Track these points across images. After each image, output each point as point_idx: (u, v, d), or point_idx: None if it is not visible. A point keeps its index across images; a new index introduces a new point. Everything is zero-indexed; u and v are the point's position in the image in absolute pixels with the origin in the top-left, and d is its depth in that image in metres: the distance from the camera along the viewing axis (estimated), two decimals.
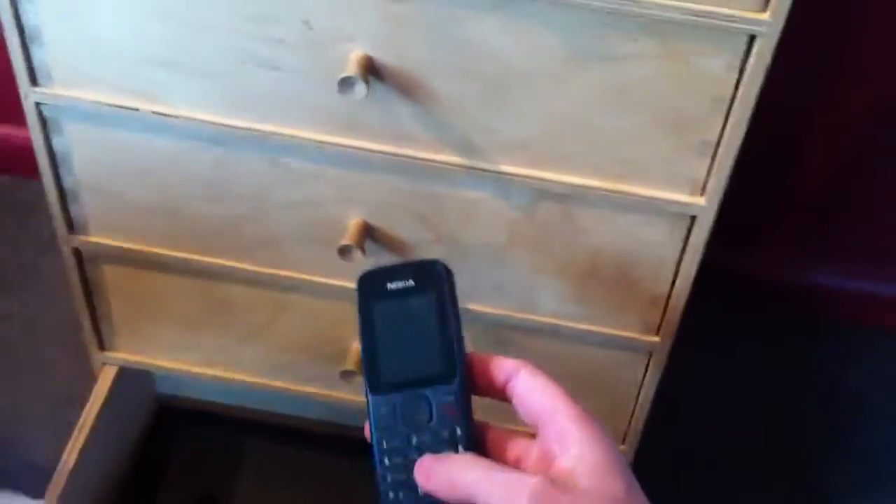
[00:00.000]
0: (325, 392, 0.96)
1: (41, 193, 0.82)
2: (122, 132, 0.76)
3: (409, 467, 0.46)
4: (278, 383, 0.97)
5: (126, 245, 0.85)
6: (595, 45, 0.63)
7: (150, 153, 0.77)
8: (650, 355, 0.84)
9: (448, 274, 0.49)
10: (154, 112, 0.73)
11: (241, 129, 0.73)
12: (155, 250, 0.85)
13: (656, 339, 0.82)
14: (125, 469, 1.09)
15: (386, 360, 0.48)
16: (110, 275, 0.89)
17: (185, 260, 0.85)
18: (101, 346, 0.97)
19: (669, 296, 0.79)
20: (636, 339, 0.83)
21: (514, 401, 0.46)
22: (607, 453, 0.42)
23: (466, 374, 0.47)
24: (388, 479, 0.46)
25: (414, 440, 0.46)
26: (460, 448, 0.45)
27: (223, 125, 0.73)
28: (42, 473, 0.95)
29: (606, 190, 0.71)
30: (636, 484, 0.42)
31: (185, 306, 0.90)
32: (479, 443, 0.46)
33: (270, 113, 0.72)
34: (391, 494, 0.46)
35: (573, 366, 0.87)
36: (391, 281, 0.49)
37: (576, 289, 0.80)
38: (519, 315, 0.83)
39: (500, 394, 0.47)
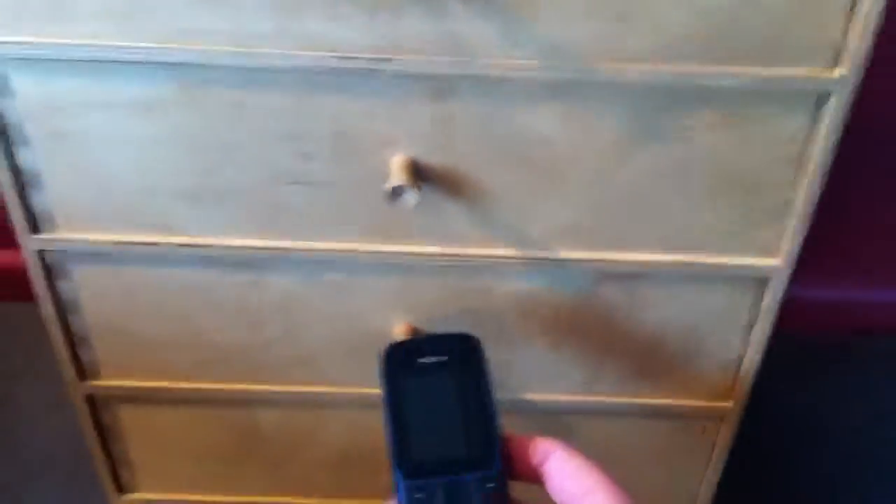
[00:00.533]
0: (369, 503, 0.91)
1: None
2: (137, 268, 0.70)
3: None
4: (314, 501, 0.91)
5: (143, 384, 0.79)
6: (652, 124, 0.60)
7: (169, 286, 0.71)
8: (720, 421, 0.81)
9: (482, 348, 0.46)
10: (173, 244, 0.68)
11: (272, 249, 0.68)
12: (175, 385, 0.79)
13: (727, 404, 0.79)
14: None
15: (419, 440, 0.45)
16: (126, 416, 0.83)
17: (209, 391, 0.79)
18: (120, 490, 0.90)
19: (741, 361, 0.75)
20: (705, 407, 0.79)
21: (548, 484, 0.44)
22: None
23: (506, 458, 0.44)
24: None
25: None
26: None
27: (251, 248, 0.68)
28: None
29: (672, 263, 0.68)
30: None
31: (211, 438, 0.84)
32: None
33: (303, 230, 0.67)
34: None
35: (639, 442, 0.83)
36: (422, 355, 0.46)
37: (639, 365, 0.76)
38: (580, 398, 0.79)
39: (533, 476, 0.44)
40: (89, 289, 0.72)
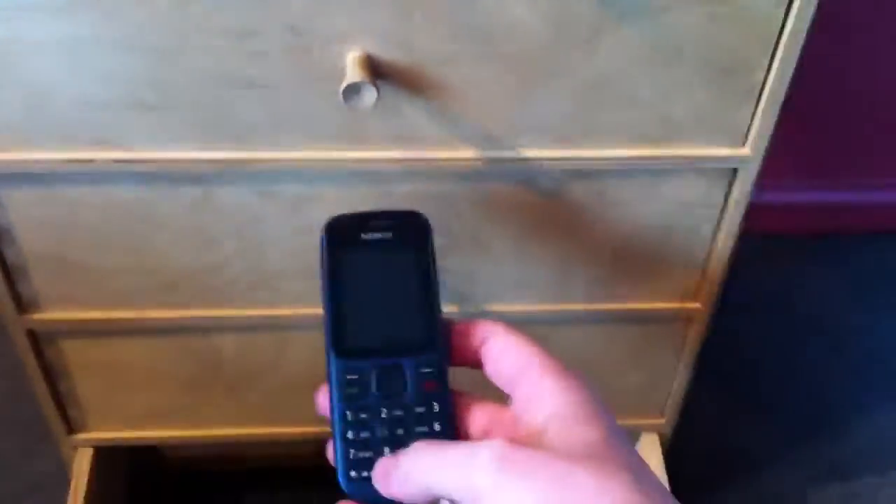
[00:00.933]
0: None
1: None
2: (74, 189, 0.66)
3: (376, 444, 0.42)
4: (279, 429, 0.89)
5: (89, 315, 0.75)
6: (626, 2, 0.57)
7: (111, 207, 0.67)
8: (690, 321, 0.81)
9: (429, 227, 0.45)
10: (112, 160, 0.63)
11: (221, 161, 0.64)
12: (124, 315, 0.75)
13: (696, 304, 0.78)
14: None
15: (356, 320, 0.43)
16: (72, 351, 0.79)
17: (161, 319, 0.76)
18: (71, 430, 0.87)
19: (709, 259, 0.75)
20: (676, 309, 0.79)
21: (487, 367, 0.42)
22: (584, 402, 0.38)
23: (446, 343, 0.43)
24: (351, 456, 0.42)
25: (384, 413, 0.42)
26: (437, 426, 0.41)
27: (199, 160, 0.64)
28: None
29: (644, 158, 0.66)
30: (617, 429, 0.38)
31: (167, 369, 0.81)
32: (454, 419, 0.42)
33: (255, 138, 0.63)
34: (353, 473, 0.42)
35: (611, 347, 0.83)
36: (366, 230, 0.44)
37: (608, 269, 0.75)
38: (549, 307, 0.78)
39: (473, 360, 0.43)
40: (23, 214, 0.67)
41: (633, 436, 0.96)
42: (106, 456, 0.92)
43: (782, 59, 0.61)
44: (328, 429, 0.88)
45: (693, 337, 0.82)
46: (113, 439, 0.88)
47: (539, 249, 0.73)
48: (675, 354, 0.84)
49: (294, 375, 0.83)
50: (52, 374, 0.80)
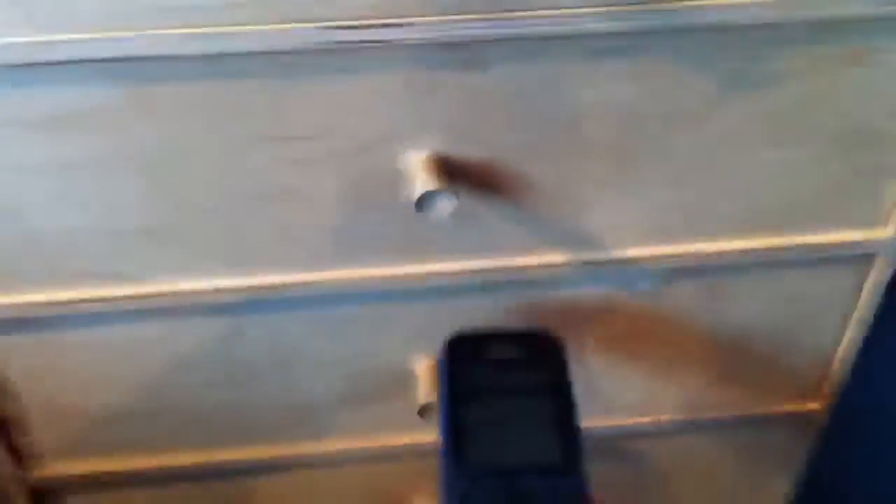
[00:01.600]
0: None
1: None
2: (78, 331, 0.56)
3: None
4: None
5: (100, 468, 0.65)
6: (739, 72, 0.48)
7: (128, 346, 0.57)
8: (807, 425, 0.70)
9: (564, 347, 0.41)
10: (129, 296, 0.54)
11: (257, 287, 0.54)
12: (142, 464, 0.65)
13: (816, 405, 0.68)
14: None
15: (482, 436, 0.38)
16: None
17: (187, 465, 0.65)
18: None
19: (833, 356, 0.65)
20: (789, 413, 0.69)
21: None
22: None
23: (585, 472, 0.38)
24: None
25: None
26: None
27: (230, 289, 0.54)
28: None
29: (759, 249, 0.56)
30: None
31: None
32: None
33: (287, 259, 0.53)
34: None
35: (712, 457, 0.72)
36: (493, 349, 0.41)
37: (716, 374, 0.65)
38: (640, 421, 0.67)
39: None
40: (19, 362, 0.57)
41: None
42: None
43: None
44: None
45: (808, 441, 0.71)
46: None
47: (634, 359, 0.63)
48: (784, 462, 0.74)
49: None
50: None
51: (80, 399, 0.60)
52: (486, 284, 0.55)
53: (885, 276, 0.59)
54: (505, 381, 0.40)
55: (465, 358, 0.40)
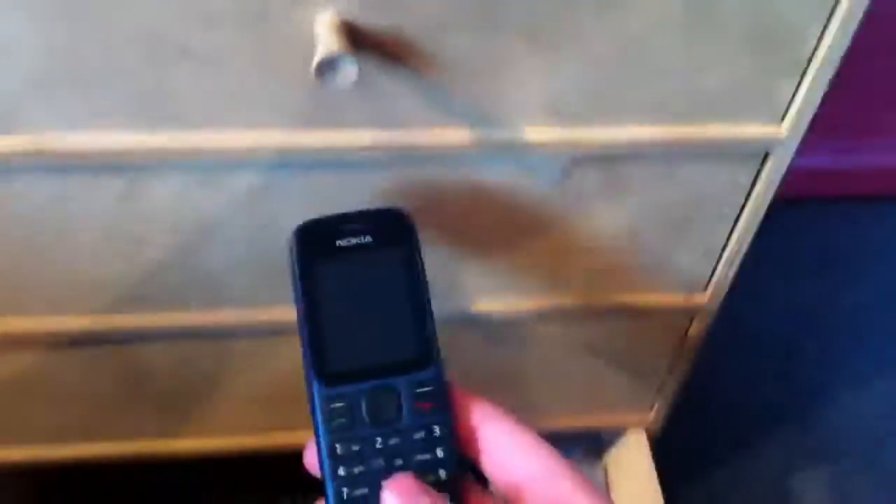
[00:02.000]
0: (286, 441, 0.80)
1: None
2: None
3: (373, 477, 0.38)
4: (216, 441, 0.80)
5: None
6: None
7: (13, 203, 0.56)
8: (694, 316, 0.74)
9: (414, 226, 0.41)
10: (16, 149, 0.52)
11: (155, 150, 0.53)
12: (32, 326, 0.64)
13: (703, 299, 0.71)
14: None
15: (337, 340, 0.39)
16: None
17: (76, 330, 0.65)
18: None
19: (724, 249, 0.68)
20: (680, 304, 0.72)
21: (483, 458, 0.39)
22: None
23: (443, 361, 0.39)
24: (345, 496, 0.38)
25: (378, 443, 0.39)
26: (439, 451, 0.39)
27: (124, 150, 0.53)
28: None
29: (665, 140, 0.58)
30: None
31: (83, 384, 0.71)
32: (459, 445, 0.39)
33: (195, 119, 0.52)
34: None
35: (605, 343, 0.75)
36: (341, 236, 0.41)
37: (609, 262, 0.67)
38: (538, 305, 0.70)
39: (463, 436, 0.40)
40: None
41: (618, 433, 0.90)
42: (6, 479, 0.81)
43: (838, 29, 0.53)
44: (270, 442, 0.79)
45: (696, 333, 0.75)
46: (14, 461, 0.77)
47: (535, 244, 0.64)
48: (673, 350, 0.77)
49: (238, 387, 0.73)
50: None
51: None
52: (386, 158, 0.55)
53: (777, 177, 0.61)
54: (356, 273, 0.40)
55: (315, 251, 0.40)
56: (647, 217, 0.64)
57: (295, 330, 0.68)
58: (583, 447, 0.94)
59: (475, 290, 0.67)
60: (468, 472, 0.41)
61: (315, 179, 0.57)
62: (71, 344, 0.67)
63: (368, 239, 0.40)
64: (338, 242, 0.40)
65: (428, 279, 0.42)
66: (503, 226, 0.62)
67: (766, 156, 0.60)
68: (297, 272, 0.40)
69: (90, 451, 0.78)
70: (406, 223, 0.42)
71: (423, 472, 0.39)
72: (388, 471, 0.39)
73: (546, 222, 0.63)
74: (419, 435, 0.39)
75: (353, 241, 0.40)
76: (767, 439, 1.10)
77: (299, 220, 0.58)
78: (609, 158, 0.59)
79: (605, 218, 0.63)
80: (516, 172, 0.59)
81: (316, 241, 0.41)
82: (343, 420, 0.38)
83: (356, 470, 0.38)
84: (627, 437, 0.88)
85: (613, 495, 0.93)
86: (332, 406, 0.39)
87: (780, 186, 0.62)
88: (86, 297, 0.63)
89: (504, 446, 0.39)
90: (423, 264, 0.41)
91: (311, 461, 0.39)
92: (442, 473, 0.39)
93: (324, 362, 0.39)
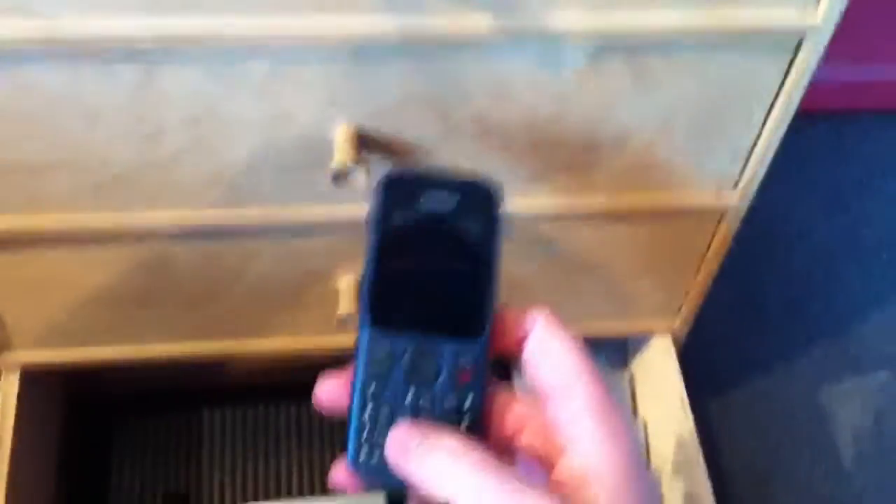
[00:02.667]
0: (292, 345, 0.82)
1: None
2: None
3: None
4: (234, 342, 0.81)
5: (11, 223, 0.65)
6: None
7: (28, 93, 0.56)
8: (720, 219, 0.73)
9: (500, 202, 0.41)
10: (26, 35, 0.52)
11: (168, 36, 0.53)
12: (56, 221, 0.65)
13: (734, 198, 0.71)
14: (67, 490, 0.92)
15: (397, 291, 0.40)
16: None
17: (97, 225, 0.66)
18: None
19: (754, 147, 0.66)
20: (709, 204, 0.71)
21: (528, 368, 0.40)
22: (628, 460, 0.37)
23: (491, 335, 0.40)
24: (364, 436, 0.40)
25: (409, 397, 0.40)
26: (464, 423, 0.40)
27: (138, 38, 0.53)
28: None
29: (695, 28, 0.56)
30: (656, 491, 0.37)
31: (107, 283, 0.72)
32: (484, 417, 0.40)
33: (208, 5, 0.52)
34: (363, 454, 0.40)
35: (631, 245, 0.75)
36: (426, 194, 0.41)
37: (636, 159, 0.66)
38: (565, 202, 0.69)
39: (510, 350, 0.41)
40: None
41: (644, 340, 0.91)
42: (38, 379, 0.83)
43: None
44: (295, 344, 0.80)
45: (724, 234, 0.74)
46: (45, 363, 0.79)
47: (560, 141, 0.64)
48: (700, 252, 0.77)
49: (259, 290, 0.74)
50: None
51: None
52: (405, 46, 0.55)
53: (812, 66, 0.60)
54: (432, 233, 0.41)
55: (398, 202, 0.41)
56: (677, 112, 0.63)
57: (317, 230, 0.69)
58: (608, 354, 0.94)
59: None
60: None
61: (332, 70, 0.56)
62: (92, 241, 0.67)
63: (453, 203, 0.41)
64: (422, 199, 0.41)
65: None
66: (527, 121, 0.62)
67: (798, 46, 0.59)
68: (376, 217, 0.41)
69: (118, 353, 0.79)
70: (494, 198, 0.41)
71: None
72: None
73: (572, 118, 0.62)
74: (450, 403, 0.40)
75: (438, 201, 0.41)
76: (798, 352, 1.10)
77: (316, 114, 0.59)
78: (636, 49, 0.58)
79: (633, 113, 0.62)
80: (540, 63, 0.58)
81: (401, 192, 0.41)
82: (382, 368, 0.40)
83: (382, 416, 0.40)
84: (654, 343, 0.88)
85: (639, 402, 0.94)
86: (375, 351, 0.40)
87: (809, 84, 0.60)
88: (105, 192, 0.63)
89: (541, 353, 0.40)
90: (500, 242, 0.41)
91: (323, 397, 0.41)
92: None
93: (379, 308, 0.40)
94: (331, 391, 0.40)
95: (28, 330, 0.76)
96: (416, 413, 0.40)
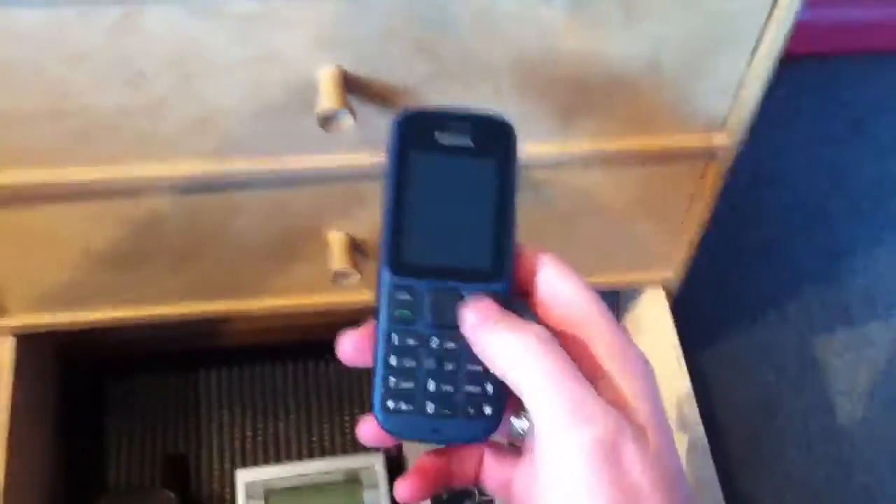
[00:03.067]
0: (284, 302, 0.81)
1: None
2: None
3: (421, 375, 0.39)
4: (228, 305, 0.80)
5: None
6: None
7: (6, 40, 0.55)
8: (709, 161, 0.72)
9: (515, 139, 0.41)
10: None
11: None
12: (35, 175, 0.64)
13: (722, 139, 0.70)
14: (64, 453, 0.91)
15: (419, 234, 0.40)
16: None
17: (83, 180, 0.65)
18: None
19: (740, 86, 0.66)
20: (698, 145, 0.70)
21: (537, 306, 0.41)
22: (653, 405, 0.38)
23: (512, 275, 0.40)
24: (391, 384, 0.39)
25: (434, 343, 0.39)
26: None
27: None
28: None
29: None
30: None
31: (92, 240, 0.71)
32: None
33: None
34: (390, 403, 0.39)
35: (621, 191, 0.74)
36: (443, 132, 0.40)
37: (627, 98, 0.66)
38: (551, 150, 0.68)
39: (520, 290, 0.41)
40: None
41: (636, 294, 0.90)
42: (30, 343, 0.82)
43: None
44: (287, 301, 0.79)
45: (714, 176, 0.73)
46: (33, 325, 0.78)
47: (548, 79, 0.63)
48: (691, 198, 0.76)
49: (248, 246, 0.73)
50: None
51: None
52: None
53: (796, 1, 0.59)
54: (450, 172, 0.40)
55: (414, 142, 0.40)
56: (666, 48, 0.62)
57: (306, 181, 0.68)
58: None
59: None
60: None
61: (316, 7, 0.55)
62: (78, 197, 0.66)
63: (468, 141, 0.40)
64: (437, 138, 0.40)
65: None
66: (514, 59, 0.61)
67: None
68: (393, 158, 0.40)
69: (106, 316, 0.78)
70: (509, 134, 0.41)
71: (471, 383, 0.40)
72: (437, 372, 0.39)
73: (560, 54, 0.61)
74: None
75: (453, 140, 0.40)
76: (789, 302, 1.10)
77: (299, 54, 0.58)
78: None
79: (623, 49, 0.62)
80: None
81: (416, 132, 0.40)
82: (405, 312, 0.39)
83: (407, 364, 0.39)
84: (646, 294, 0.88)
85: None
86: (397, 296, 0.39)
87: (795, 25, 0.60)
88: (89, 143, 0.62)
89: (553, 287, 0.40)
90: (517, 179, 0.41)
91: (347, 349, 0.40)
92: (489, 388, 0.40)
93: (398, 251, 0.39)
94: (355, 343, 0.40)
95: (19, 293, 0.75)
96: (441, 358, 0.39)
